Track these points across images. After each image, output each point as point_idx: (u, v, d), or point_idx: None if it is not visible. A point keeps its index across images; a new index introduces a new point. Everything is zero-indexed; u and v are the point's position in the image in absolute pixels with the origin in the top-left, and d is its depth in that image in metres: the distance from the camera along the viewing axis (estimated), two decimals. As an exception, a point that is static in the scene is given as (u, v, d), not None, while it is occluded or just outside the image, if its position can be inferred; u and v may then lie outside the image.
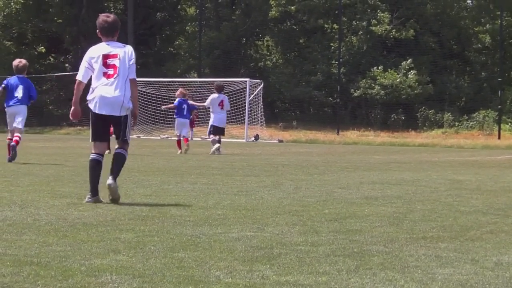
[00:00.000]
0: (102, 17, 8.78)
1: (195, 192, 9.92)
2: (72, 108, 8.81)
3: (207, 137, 23.43)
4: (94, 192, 8.44)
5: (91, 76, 8.64)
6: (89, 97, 8.64)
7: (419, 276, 4.77)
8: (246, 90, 38.31)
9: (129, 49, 8.70)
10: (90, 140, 8.85)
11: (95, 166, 8.54)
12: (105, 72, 8.55)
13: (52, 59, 57.60)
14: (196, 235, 6.20)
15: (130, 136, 8.82)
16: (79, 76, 8.61)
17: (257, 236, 6.22)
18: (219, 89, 22.24)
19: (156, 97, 38.98)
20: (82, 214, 7.35)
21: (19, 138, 15.14)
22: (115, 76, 8.53)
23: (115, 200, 8.41)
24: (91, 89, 8.65)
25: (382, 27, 46.64)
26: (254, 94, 39.39)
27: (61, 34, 52.64)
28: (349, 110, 47.86)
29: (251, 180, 12.21)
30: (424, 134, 42.39)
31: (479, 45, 50.51)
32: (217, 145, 21.24)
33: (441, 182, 12.76)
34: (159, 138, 39.23)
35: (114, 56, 8.58)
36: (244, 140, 36.79)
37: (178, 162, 17.12)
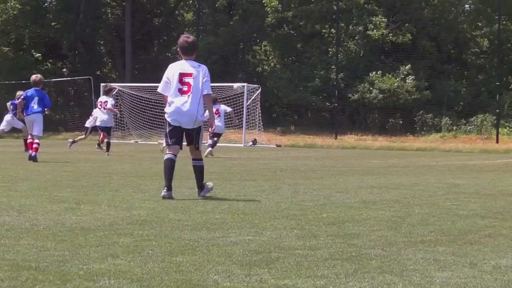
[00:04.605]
0: (183, 37, 10.00)
1: (193, 196, 9.93)
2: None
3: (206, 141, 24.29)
4: (169, 187, 9.55)
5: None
6: (166, 109, 9.84)
7: (417, 280, 4.77)
8: (244, 95, 38.31)
9: (203, 68, 9.84)
10: (164, 144, 10.14)
11: (170, 164, 9.76)
12: (180, 89, 9.76)
13: (49, 64, 57.54)
14: (194, 239, 6.20)
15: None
16: (160, 89, 9.99)
17: (255, 240, 6.22)
18: (214, 101, 23.60)
19: (154, 102, 38.89)
20: (80, 219, 7.34)
21: (38, 145, 17.71)
22: (188, 93, 9.71)
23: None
24: (168, 103, 9.83)
25: (379, 32, 46.63)
26: (252, 99, 39.38)
27: (58, 40, 52.59)
28: (347, 114, 47.82)
29: (249, 184, 12.21)
30: (422, 138, 42.37)
31: (477, 49, 50.48)
32: (209, 149, 22.56)
33: (439, 186, 12.75)
34: (156, 143, 39.17)
35: (189, 75, 9.76)
36: (242, 145, 36.78)
37: (176, 166, 17.10)
